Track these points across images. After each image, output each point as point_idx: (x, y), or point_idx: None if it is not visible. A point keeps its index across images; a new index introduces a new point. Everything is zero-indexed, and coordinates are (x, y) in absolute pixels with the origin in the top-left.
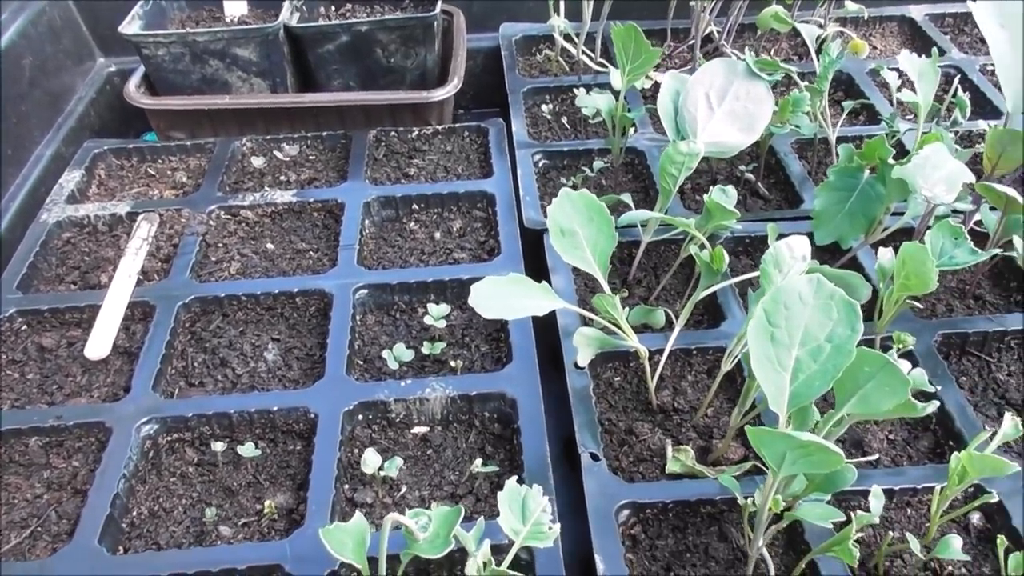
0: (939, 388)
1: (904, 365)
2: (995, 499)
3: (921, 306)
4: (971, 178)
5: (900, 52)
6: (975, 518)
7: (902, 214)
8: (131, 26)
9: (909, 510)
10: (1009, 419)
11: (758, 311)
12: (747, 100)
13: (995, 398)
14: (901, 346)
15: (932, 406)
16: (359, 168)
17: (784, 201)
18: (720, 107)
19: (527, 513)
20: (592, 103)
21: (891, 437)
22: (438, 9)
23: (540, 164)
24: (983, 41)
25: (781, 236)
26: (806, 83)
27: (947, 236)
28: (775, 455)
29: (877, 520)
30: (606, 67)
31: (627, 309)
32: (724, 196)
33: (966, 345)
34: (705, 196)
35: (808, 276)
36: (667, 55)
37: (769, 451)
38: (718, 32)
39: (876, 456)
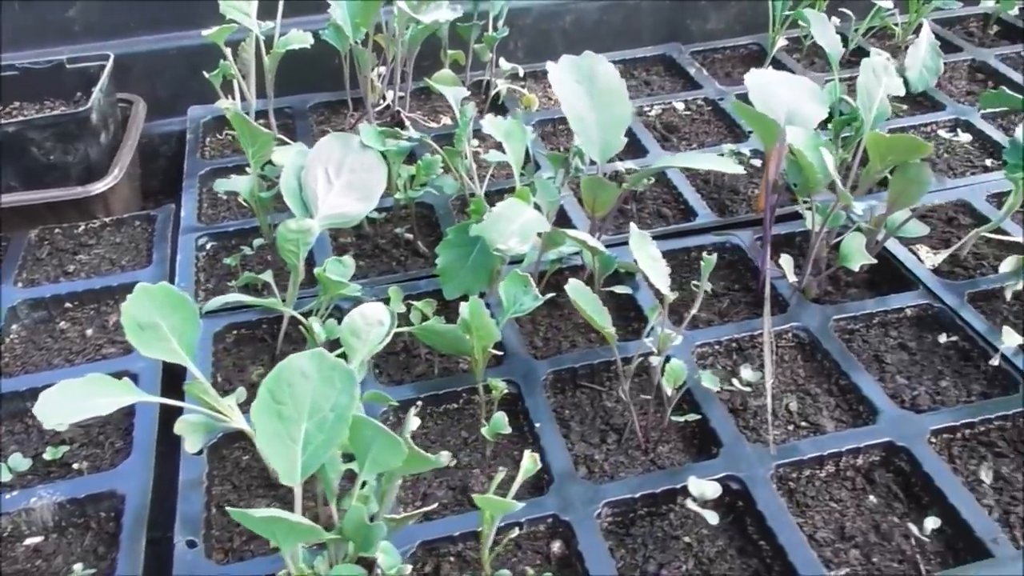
0: (539, 425)
1: (415, 421)
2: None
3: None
4: (546, 226)
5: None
6: (555, 547)
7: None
8: None
9: (498, 548)
10: (528, 456)
11: (261, 392)
12: (362, 171)
13: (601, 425)
14: (496, 392)
15: (445, 457)
16: (10, 272)
17: None
18: (338, 180)
19: None
20: (231, 186)
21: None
22: (91, 104)
23: (208, 247)
24: (647, 84)
25: (424, 294)
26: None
27: (518, 286)
28: (264, 531)
29: (407, 571)
30: (287, 141)
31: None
32: (339, 267)
33: (577, 378)
34: (316, 269)
35: (310, 353)
36: (352, 124)
37: (257, 529)
38: (391, 100)
39: (435, 505)
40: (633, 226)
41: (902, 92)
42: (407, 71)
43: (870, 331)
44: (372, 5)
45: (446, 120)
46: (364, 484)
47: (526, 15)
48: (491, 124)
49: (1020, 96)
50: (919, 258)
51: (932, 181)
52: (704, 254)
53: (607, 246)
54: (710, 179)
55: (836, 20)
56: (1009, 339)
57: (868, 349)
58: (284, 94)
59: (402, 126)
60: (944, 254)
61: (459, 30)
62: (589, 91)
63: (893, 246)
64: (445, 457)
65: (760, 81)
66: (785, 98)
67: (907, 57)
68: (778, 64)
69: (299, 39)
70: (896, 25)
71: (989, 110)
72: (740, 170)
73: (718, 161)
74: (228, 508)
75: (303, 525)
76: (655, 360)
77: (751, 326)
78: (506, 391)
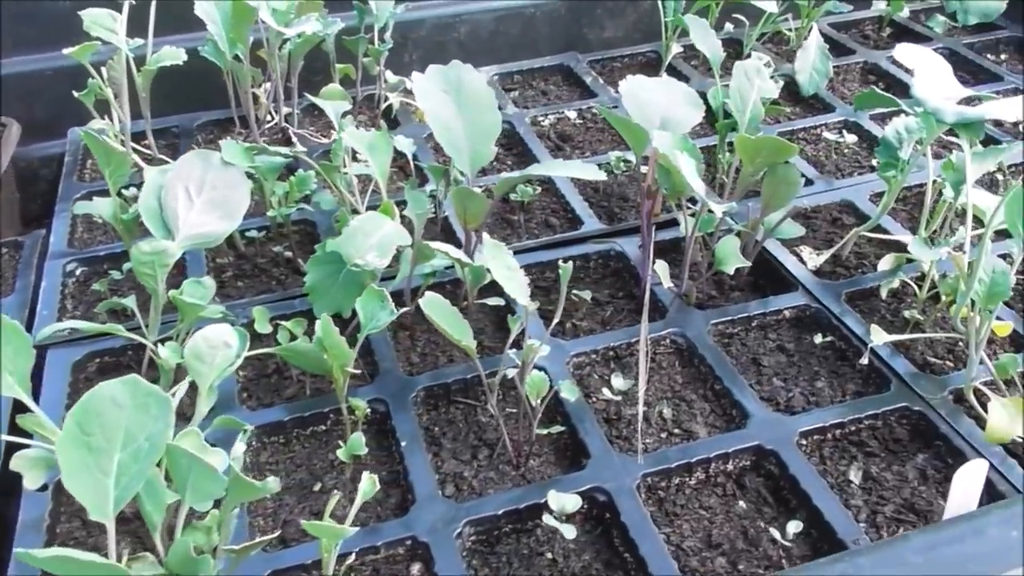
0: (404, 444)
1: (239, 448)
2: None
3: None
4: (406, 239)
5: None
6: (415, 570)
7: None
8: None
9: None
10: (367, 478)
11: (67, 423)
12: (224, 188)
13: (474, 441)
14: (358, 411)
15: (274, 483)
16: None
17: None
18: (199, 198)
19: None
20: (92, 209)
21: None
22: None
23: (78, 272)
24: (544, 94)
25: (299, 313)
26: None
27: (375, 302)
28: (56, 571)
29: None
30: (168, 161)
31: None
32: (198, 288)
33: (451, 394)
34: (171, 292)
35: (123, 379)
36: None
37: (48, 568)
38: (280, 117)
39: (277, 534)
40: (486, 236)
41: (775, 94)
42: (291, 86)
43: (749, 334)
44: (244, 20)
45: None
46: (206, 515)
47: (419, 27)
48: (352, 137)
49: (893, 96)
50: (801, 259)
51: (801, 182)
52: (560, 262)
53: None
54: (599, 187)
55: (731, 26)
56: (878, 337)
57: (746, 352)
58: (173, 112)
59: (291, 143)
60: (826, 255)
61: (346, 43)
62: (457, 101)
63: (775, 248)
64: (273, 483)
65: (633, 88)
66: (659, 104)
67: (797, 61)
68: (674, 71)
69: (171, 56)
70: (790, 30)
71: (877, 111)
72: (602, 176)
73: (580, 169)
74: (17, 550)
75: (96, 563)
76: (511, 372)
77: (631, 334)
78: (375, 410)
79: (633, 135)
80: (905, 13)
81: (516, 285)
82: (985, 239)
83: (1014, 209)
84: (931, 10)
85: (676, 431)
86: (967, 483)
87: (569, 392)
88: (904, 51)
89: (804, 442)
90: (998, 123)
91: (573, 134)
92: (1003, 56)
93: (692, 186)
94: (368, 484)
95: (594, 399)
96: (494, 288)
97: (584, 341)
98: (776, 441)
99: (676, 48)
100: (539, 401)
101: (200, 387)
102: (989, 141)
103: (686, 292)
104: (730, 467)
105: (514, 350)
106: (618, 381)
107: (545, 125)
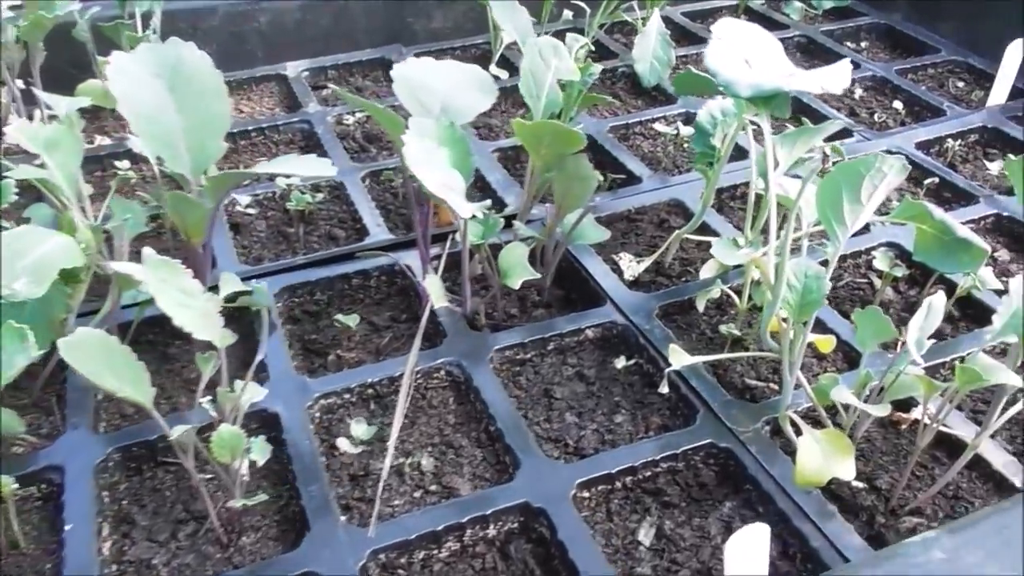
0: (70, 527)
1: None
2: None
3: None
4: (78, 260)
5: (273, 111)
6: None
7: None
8: None
9: None
10: None
11: None
12: None
13: (180, 513)
14: (3, 490)
15: None
16: None
17: None
18: None
19: None
20: None
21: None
22: None
23: None
24: (359, 90)
25: None
26: None
27: (14, 342)
28: None
29: None
30: None
31: None
32: None
33: (157, 453)
34: None
35: None
36: None
37: None
38: (33, 118)
39: None
40: (147, 251)
41: (575, 76)
42: (33, 81)
43: (544, 360)
44: None
45: (105, 139)
46: None
47: (211, 16)
48: (21, 131)
49: (711, 77)
50: (618, 268)
51: (596, 176)
52: (254, 281)
53: (245, 279)
54: (398, 192)
55: (570, 14)
56: (677, 359)
57: (538, 382)
58: None
59: None
60: (647, 262)
61: (104, 31)
62: (171, 86)
63: (587, 256)
64: None
65: (407, 72)
66: (439, 89)
67: (635, 49)
68: (505, 62)
69: None
70: (636, 19)
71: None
72: (332, 172)
73: (306, 164)
74: None
75: None
76: (179, 430)
77: (401, 366)
78: (51, 481)
79: (390, 125)
80: (761, 0)
81: (191, 316)
82: (787, 237)
83: (825, 200)
84: None
85: (434, 488)
86: (746, 555)
87: (260, 452)
88: (722, 26)
89: (587, 494)
90: (854, 113)
91: (382, 134)
92: (864, 44)
93: (421, 180)
94: None
95: (340, 451)
96: (230, 318)
97: (340, 377)
98: (548, 497)
99: (509, 37)
100: (238, 462)
101: None
102: (841, 135)
103: (474, 311)
104: (492, 532)
105: (207, 399)
106: (359, 428)
107: (350, 124)
